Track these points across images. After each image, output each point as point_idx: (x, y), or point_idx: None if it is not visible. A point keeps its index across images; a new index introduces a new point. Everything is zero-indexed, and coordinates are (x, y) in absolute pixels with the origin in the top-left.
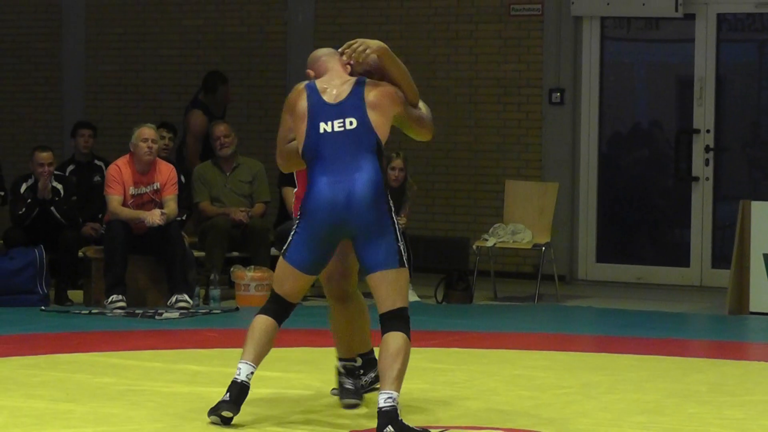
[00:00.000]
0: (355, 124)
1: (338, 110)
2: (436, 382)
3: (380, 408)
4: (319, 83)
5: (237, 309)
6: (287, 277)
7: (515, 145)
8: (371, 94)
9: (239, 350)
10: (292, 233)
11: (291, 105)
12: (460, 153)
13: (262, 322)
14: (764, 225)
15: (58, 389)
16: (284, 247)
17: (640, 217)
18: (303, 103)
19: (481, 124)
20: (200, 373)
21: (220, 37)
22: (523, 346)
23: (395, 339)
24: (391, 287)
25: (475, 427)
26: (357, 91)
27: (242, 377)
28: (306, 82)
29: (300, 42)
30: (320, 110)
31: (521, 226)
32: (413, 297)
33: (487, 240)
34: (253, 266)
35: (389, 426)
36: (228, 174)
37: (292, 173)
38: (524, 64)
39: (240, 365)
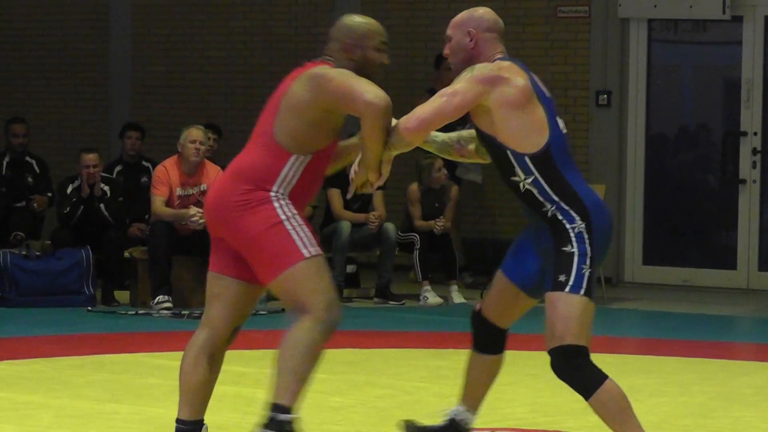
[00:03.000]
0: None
1: (555, 107)
2: None
3: None
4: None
5: (283, 310)
6: (590, 320)
7: None
8: None
9: None
10: (581, 264)
11: (506, 77)
12: None
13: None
14: None
15: (104, 390)
16: (584, 286)
17: (687, 220)
18: (526, 83)
19: None
20: (246, 374)
21: (267, 39)
22: None
23: None
24: None
25: (521, 429)
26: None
27: None
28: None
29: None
30: (547, 102)
31: None
32: (459, 299)
33: None
34: None
35: None
36: None
37: (338, 174)
38: (571, 66)
39: None
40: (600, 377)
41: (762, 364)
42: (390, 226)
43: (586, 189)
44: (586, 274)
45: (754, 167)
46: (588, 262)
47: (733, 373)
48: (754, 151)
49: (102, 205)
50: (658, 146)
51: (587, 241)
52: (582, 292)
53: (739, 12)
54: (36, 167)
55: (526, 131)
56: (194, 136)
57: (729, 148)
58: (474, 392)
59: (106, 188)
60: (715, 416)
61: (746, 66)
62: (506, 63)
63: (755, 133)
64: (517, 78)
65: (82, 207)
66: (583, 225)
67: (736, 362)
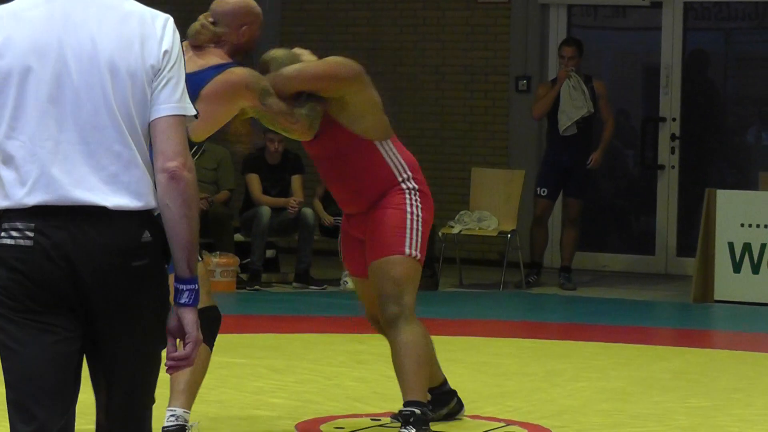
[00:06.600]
0: None
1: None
2: None
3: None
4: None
5: None
6: None
7: (482, 132)
8: (211, 85)
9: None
10: None
11: None
12: (426, 140)
13: None
14: (729, 213)
15: None
16: None
17: (606, 205)
18: None
19: (448, 111)
20: None
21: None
22: (488, 334)
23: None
24: None
25: None
26: (203, 76)
27: None
28: None
29: (267, 28)
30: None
31: (487, 213)
32: None
33: (452, 227)
34: (218, 252)
35: None
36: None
37: (256, 159)
38: (491, 52)
39: None
40: None
41: (679, 349)
42: (308, 211)
43: None
44: None
45: (672, 153)
46: None
47: (651, 358)
48: (673, 137)
49: None
50: None
51: None
52: None
53: None
54: None
55: None
56: None
57: (648, 134)
58: None
59: None
60: (634, 401)
61: (665, 52)
62: None
63: (674, 119)
64: None
65: None
66: None
67: (654, 347)
